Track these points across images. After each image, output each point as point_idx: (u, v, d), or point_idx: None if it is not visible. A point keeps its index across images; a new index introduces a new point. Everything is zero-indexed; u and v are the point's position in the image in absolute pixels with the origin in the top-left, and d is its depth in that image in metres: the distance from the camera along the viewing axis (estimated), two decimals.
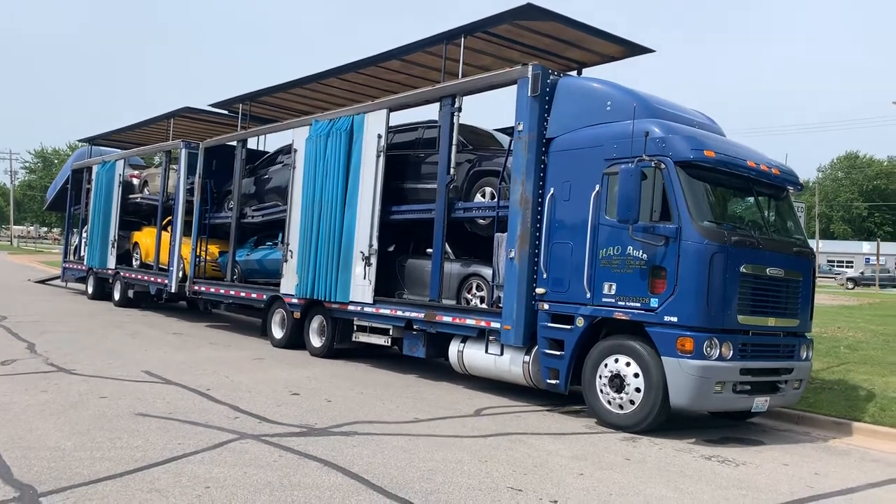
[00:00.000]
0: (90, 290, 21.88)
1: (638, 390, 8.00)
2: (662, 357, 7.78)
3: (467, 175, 10.74)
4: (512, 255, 9.27)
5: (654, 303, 7.91)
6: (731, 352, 7.83)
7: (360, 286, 11.77)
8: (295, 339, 13.41)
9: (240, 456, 6.29)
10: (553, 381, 8.85)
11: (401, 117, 13.09)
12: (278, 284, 13.85)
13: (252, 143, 16.82)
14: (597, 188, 8.55)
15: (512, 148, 9.56)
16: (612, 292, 8.28)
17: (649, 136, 7.93)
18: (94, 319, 16.62)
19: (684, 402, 7.72)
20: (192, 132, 19.73)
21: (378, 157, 11.71)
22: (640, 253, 8.06)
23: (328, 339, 12.54)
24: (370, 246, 11.68)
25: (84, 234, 22.60)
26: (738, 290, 7.86)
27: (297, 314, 13.21)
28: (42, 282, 27.75)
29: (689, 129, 8.53)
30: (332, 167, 12.35)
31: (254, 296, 14.49)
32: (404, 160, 11.97)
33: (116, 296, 20.14)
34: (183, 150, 17.41)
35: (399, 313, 11.07)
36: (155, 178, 19.51)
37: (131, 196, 20.33)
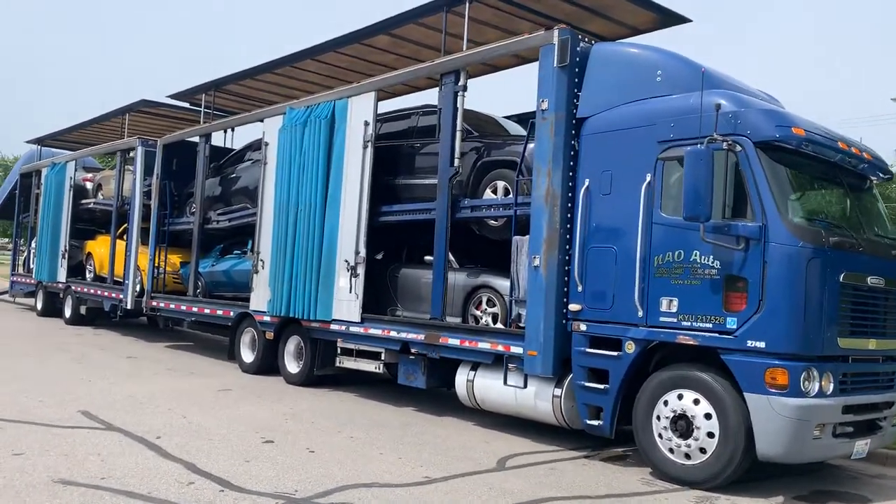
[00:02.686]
0: (39, 305, 19.75)
1: (711, 436, 6.24)
2: (745, 394, 6.04)
3: (474, 167, 8.95)
4: (536, 262, 7.48)
5: (731, 323, 6.16)
6: (832, 385, 6.11)
7: (345, 301, 9.92)
8: (268, 364, 11.52)
9: None
10: (594, 422, 7.07)
11: (388, 106, 11.33)
12: (248, 299, 11.95)
13: (217, 140, 14.94)
14: (648, 178, 6.80)
15: (534, 132, 7.78)
16: (673, 310, 6.52)
17: (721, 111, 6.20)
18: (37, 340, 14.54)
19: (777, 453, 5.97)
20: (151, 129, 17.69)
21: (365, 148, 9.87)
22: (711, 259, 6.31)
23: (307, 364, 10.65)
24: (357, 253, 9.83)
25: (33, 245, 20.45)
26: (838, 305, 6.15)
27: (269, 334, 11.32)
28: None
29: (765, 104, 6.83)
30: (311, 161, 10.48)
31: (220, 313, 12.55)
32: (396, 152, 10.15)
33: (67, 312, 18.00)
34: (139, 148, 15.40)
35: (393, 334, 9.22)
36: (110, 181, 17.45)
37: (84, 201, 18.22)
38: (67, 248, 17.97)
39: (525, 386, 7.64)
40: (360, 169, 9.90)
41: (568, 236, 7.46)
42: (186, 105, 15.47)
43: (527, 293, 7.66)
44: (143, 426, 7.69)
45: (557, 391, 7.46)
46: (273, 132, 11.47)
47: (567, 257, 7.45)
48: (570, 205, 7.48)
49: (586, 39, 7.74)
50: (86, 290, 17.18)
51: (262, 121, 12.12)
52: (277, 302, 10.81)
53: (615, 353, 6.88)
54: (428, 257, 9.47)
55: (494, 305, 8.67)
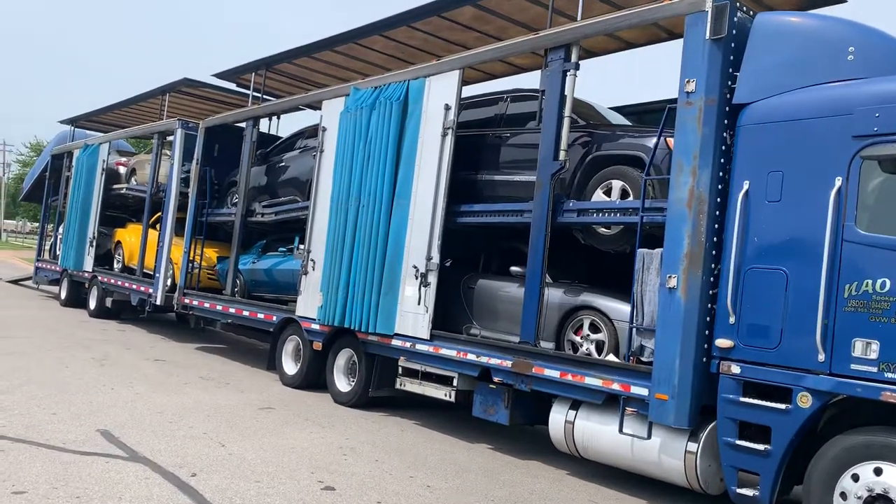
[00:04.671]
0: (63, 295, 18.59)
1: None
2: None
3: (581, 163, 7.47)
4: (672, 283, 5.97)
5: None
6: None
7: (412, 314, 8.48)
8: (313, 378, 10.13)
9: None
10: (746, 492, 5.52)
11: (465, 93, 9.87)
12: (287, 302, 10.60)
13: (264, 127, 13.58)
14: (838, 183, 5.26)
15: (673, 121, 6.28)
16: (872, 356, 4.98)
17: None
18: (58, 335, 13.27)
19: None
20: (192, 112, 16.52)
21: (444, 136, 8.43)
22: None
23: (361, 382, 9.20)
24: (428, 259, 8.39)
25: (60, 230, 19.30)
26: None
27: (317, 345, 9.90)
28: (14, 282, 24.39)
29: None
30: (377, 150, 9.06)
31: (261, 316, 11.16)
32: (476, 143, 8.70)
33: (92, 304, 16.79)
34: (178, 131, 14.14)
35: (471, 357, 7.75)
36: (144, 166, 16.20)
37: (116, 186, 17.02)
38: (96, 235, 16.77)
39: (648, 437, 6.12)
40: (437, 160, 8.46)
41: (715, 252, 5.95)
42: (232, 86, 14.17)
43: (655, 321, 6.15)
44: (174, 456, 6.30)
45: (692, 446, 5.93)
46: (333, 116, 10.07)
47: (712, 279, 5.93)
48: (718, 212, 5.97)
49: (744, 9, 6.22)
50: (113, 281, 15.93)
51: (313, 107, 10.79)
52: (330, 309, 9.39)
53: (782, 406, 5.33)
54: (514, 268, 8.01)
55: (599, 331, 7.15)
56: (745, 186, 5.77)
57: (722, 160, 5.98)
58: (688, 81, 6.10)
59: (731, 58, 6.04)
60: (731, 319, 5.71)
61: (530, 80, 12.76)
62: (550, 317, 7.50)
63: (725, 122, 6.00)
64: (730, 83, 6.02)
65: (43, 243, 21.65)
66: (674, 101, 6.32)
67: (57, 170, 20.41)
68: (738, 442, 5.55)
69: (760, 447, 5.42)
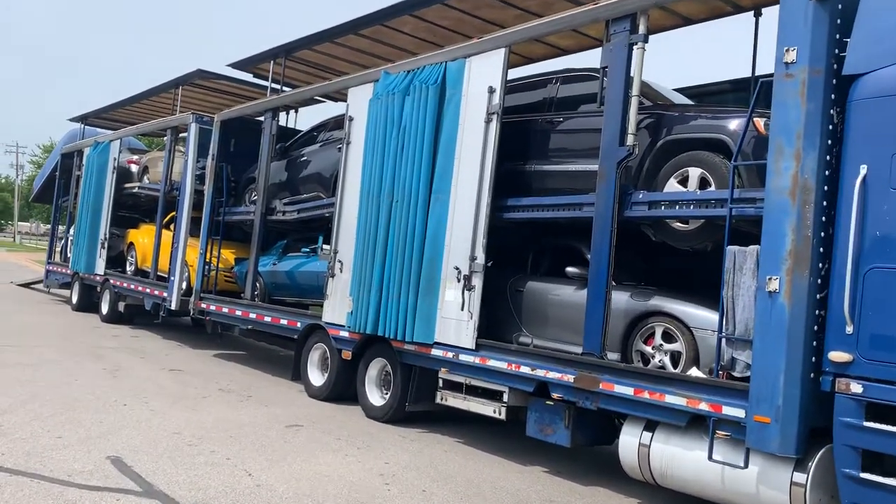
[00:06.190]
0: (75, 299, 17.85)
1: None
2: None
3: (651, 148, 6.60)
4: (773, 286, 5.09)
5: None
6: None
7: (454, 321, 7.64)
8: (342, 389, 9.32)
9: None
10: None
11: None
12: (309, 307, 9.80)
13: (282, 121, 12.74)
14: None
15: (772, 97, 5.39)
16: None
17: None
18: (68, 342, 12.53)
19: None
20: (207, 107, 15.69)
21: (489, 122, 7.59)
22: None
23: (396, 395, 8.37)
24: (472, 259, 7.55)
25: (71, 231, 18.59)
26: None
27: (347, 354, 9.09)
28: (25, 285, 23.73)
29: None
30: (412, 139, 8.22)
31: (283, 322, 10.34)
32: (523, 130, 7.86)
33: (104, 309, 16.05)
34: (192, 125, 13.36)
35: (525, 370, 6.90)
36: (157, 164, 15.45)
37: (128, 185, 16.26)
38: (108, 236, 16.04)
39: (745, 465, 5.24)
40: (480, 148, 7.62)
41: (822, 249, 5.07)
42: (249, 77, 13.40)
43: (751, 329, 5.28)
44: (195, 490, 5.50)
45: (799, 477, 5.06)
46: (361, 104, 9.23)
47: (819, 280, 5.06)
48: (825, 203, 5.09)
49: None
50: (126, 284, 15.19)
51: (334, 98, 9.96)
52: (361, 315, 8.57)
53: None
54: (571, 268, 7.16)
55: (674, 341, 6.28)
56: (863, 172, 4.89)
57: (829, 141, 5.11)
58: (787, 50, 5.22)
59: (839, 21, 5.16)
60: (849, 329, 4.83)
61: (568, 63, 11.87)
62: (615, 324, 6.63)
63: (833, 96, 5.12)
64: (837, 51, 5.14)
65: (54, 245, 20.96)
66: (739, 81, 5.48)
67: (67, 169, 19.70)
68: (864, 475, 4.67)
69: (894, 483, 4.54)
